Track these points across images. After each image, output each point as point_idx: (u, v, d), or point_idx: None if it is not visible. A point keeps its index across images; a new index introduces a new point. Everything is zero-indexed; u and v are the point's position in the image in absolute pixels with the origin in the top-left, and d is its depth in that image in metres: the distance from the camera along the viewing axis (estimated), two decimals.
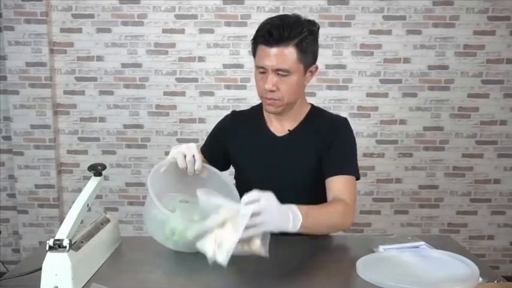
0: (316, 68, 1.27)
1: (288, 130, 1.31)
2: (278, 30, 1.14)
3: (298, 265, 1.05)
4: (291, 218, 0.96)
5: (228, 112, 1.47)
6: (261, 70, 1.20)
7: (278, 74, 1.18)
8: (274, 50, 1.16)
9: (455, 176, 2.78)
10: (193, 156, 1.17)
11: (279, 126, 1.33)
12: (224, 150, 1.39)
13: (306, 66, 1.21)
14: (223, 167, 1.41)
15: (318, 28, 1.23)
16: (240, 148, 1.37)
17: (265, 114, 1.36)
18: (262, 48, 1.18)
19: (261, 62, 1.19)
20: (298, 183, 1.29)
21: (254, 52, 1.24)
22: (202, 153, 1.39)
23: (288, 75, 1.18)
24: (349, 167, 1.26)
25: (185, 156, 1.17)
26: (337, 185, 1.22)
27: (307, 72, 1.24)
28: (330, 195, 1.23)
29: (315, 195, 1.30)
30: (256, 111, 1.40)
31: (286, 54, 1.16)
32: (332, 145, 1.27)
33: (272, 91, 1.19)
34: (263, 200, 0.91)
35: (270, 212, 0.91)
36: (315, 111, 1.36)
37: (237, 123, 1.41)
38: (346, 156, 1.29)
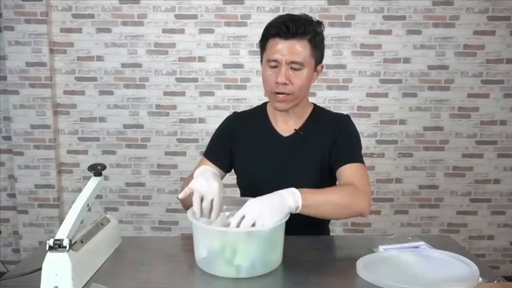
0: (322, 66, 1.29)
1: (294, 130, 1.31)
2: (294, 24, 1.16)
3: (298, 264, 1.05)
4: (286, 195, 1.01)
5: (228, 112, 1.47)
6: (273, 64, 1.19)
7: (291, 67, 1.18)
8: (289, 43, 1.17)
9: (455, 176, 2.78)
10: (212, 201, 1.04)
11: (285, 126, 1.32)
12: (230, 152, 1.37)
13: (316, 63, 1.24)
14: (228, 170, 1.40)
15: (324, 29, 1.25)
16: (246, 149, 1.34)
17: (270, 114, 1.35)
18: (276, 42, 1.18)
19: (274, 55, 1.18)
20: (306, 183, 1.27)
21: (263, 48, 1.23)
22: (207, 157, 1.38)
23: (301, 68, 1.19)
24: (356, 155, 1.27)
25: (202, 200, 1.04)
26: (345, 172, 1.22)
27: (315, 71, 1.25)
28: (339, 183, 1.24)
29: None
30: (260, 111, 1.39)
31: (301, 48, 1.18)
32: (337, 140, 1.28)
33: (285, 84, 1.19)
34: (244, 207, 0.97)
35: (254, 207, 0.96)
36: (317, 110, 1.37)
37: (240, 123, 1.38)
38: (352, 146, 1.30)
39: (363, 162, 1.27)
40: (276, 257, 1.02)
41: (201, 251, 1.01)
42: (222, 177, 1.37)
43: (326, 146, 1.29)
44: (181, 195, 1.07)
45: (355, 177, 1.20)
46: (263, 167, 1.31)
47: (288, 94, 1.21)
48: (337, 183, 1.32)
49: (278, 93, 1.21)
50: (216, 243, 0.97)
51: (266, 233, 0.96)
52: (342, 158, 1.25)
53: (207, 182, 1.05)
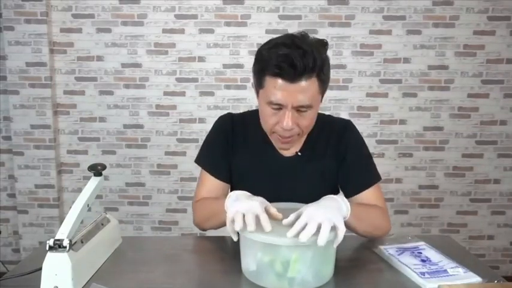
0: (326, 90, 1.12)
1: (296, 152, 1.20)
2: (302, 62, 0.97)
3: None
4: (338, 199, 0.95)
5: (228, 112, 1.37)
6: (276, 107, 1.04)
7: (298, 110, 1.04)
8: (296, 86, 0.99)
9: (455, 176, 2.78)
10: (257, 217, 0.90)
11: None
12: (229, 160, 1.23)
13: (323, 95, 1.09)
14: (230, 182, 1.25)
15: (328, 47, 1.07)
16: (243, 163, 1.22)
17: None
18: (278, 83, 1.00)
19: (278, 99, 1.01)
20: (306, 200, 1.19)
21: (260, 82, 1.06)
22: (209, 172, 1.23)
23: (308, 110, 1.04)
24: (372, 176, 1.20)
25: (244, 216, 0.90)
26: (366, 197, 1.17)
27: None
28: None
29: None
30: (256, 120, 1.19)
31: (309, 89, 1.01)
32: (346, 158, 1.19)
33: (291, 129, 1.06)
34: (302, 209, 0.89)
35: (311, 209, 0.88)
36: (317, 120, 1.17)
37: (239, 129, 1.24)
38: (366, 165, 1.21)
39: (378, 178, 1.20)
40: (329, 269, 0.97)
41: (249, 264, 0.95)
42: (227, 192, 1.24)
43: (329, 159, 1.21)
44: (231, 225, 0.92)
45: (377, 200, 1.17)
46: (261, 184, 1.16)
47: (294, 136, 1.10)
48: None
49: (282, 136, 1.09)
50: (267, 255, 0.91)
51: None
52: (360, 182, 1.18)
53: (244, 202, 0.94)
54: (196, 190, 1.27)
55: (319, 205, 0.92)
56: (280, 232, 0.89)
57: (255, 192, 1.03)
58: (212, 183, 1.23)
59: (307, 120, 1.07)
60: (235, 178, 1.25)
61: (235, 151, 1.23)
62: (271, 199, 1.03)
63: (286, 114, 1.02)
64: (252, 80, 1.15)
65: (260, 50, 1.05)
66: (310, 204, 0.92)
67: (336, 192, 1.18)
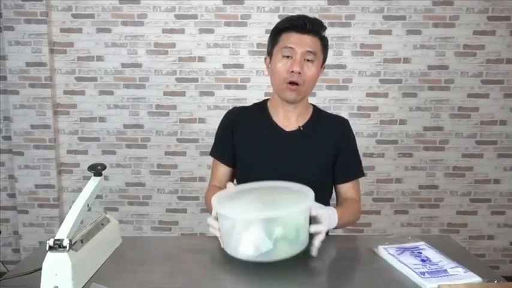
0: (324, 67, 1.35)
1: (299, 127, 1.34)
2: (310, 22, 1.26)
3: (298, 265, 1.05)
4: (332, 216, 1.14)
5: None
6: (287, 53, 1.25)
7: (305, 58, 1.25)
8: (306, 36, 1.25)
9: (455, 176, 2.79)
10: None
11: (287, 122, 1.35)
12: (234, 146, 1.38)
13: (322, 61, 1.31)
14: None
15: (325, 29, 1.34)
16: (248, 143, 1.36)
17: (271, 110, 1.37)
18: (292, 35, 1.25)
19: (291, 44, 1.25)
20: (304, 179, 1.26)
21: (276, 41, 1.29)
22: (216, 158, 1.42)
23: (313, 60, 1.26)
24: (359, 170, 1.41)
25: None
26: (350, 189, 1.38)
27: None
28: (342, 196, 1.38)
29: (321, 191, 1.30)
30: (261, 106, 1.41)
31: (315, 42, 1.27)
32: (343, 151, 1.36)
33: (298, 73, 1.24)
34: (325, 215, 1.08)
35: (326, 215, 1.09)
36: (318, 111, 1.41)
37: (242, 117, 1.40)
38: (356, 160, 1.40)
39: (363, 174, 1.42)
40: None
41: (262, 246, 0.95)
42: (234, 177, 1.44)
43: (330, 146, 1.34)
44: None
45: (357, 193, 1.38)
46: (263, 159, 1.33)
47: (300, 85, 1.26)
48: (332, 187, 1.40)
49: (291, 82, 1.26)
50: (281, 226, 0.96)
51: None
52: (350, 173, 1.38)
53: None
54: (211, 177, 1.46)
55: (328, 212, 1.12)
56: (286, 201, 1.01)
57: (258, 165, 1.27)
58: (220, 171, 1.42)
59: (310, 72, 1.27)
60: (241, 157, 1.38)
61: (240, 135, 1.38)
62: (272, 171, 1.21)
63: (296, 59, 1.24)
64: (266, 56, 1.36)
65: (277, 23, 1.32)
66: (324, 209, 1.11)
67: (330, 171, 1.37)
